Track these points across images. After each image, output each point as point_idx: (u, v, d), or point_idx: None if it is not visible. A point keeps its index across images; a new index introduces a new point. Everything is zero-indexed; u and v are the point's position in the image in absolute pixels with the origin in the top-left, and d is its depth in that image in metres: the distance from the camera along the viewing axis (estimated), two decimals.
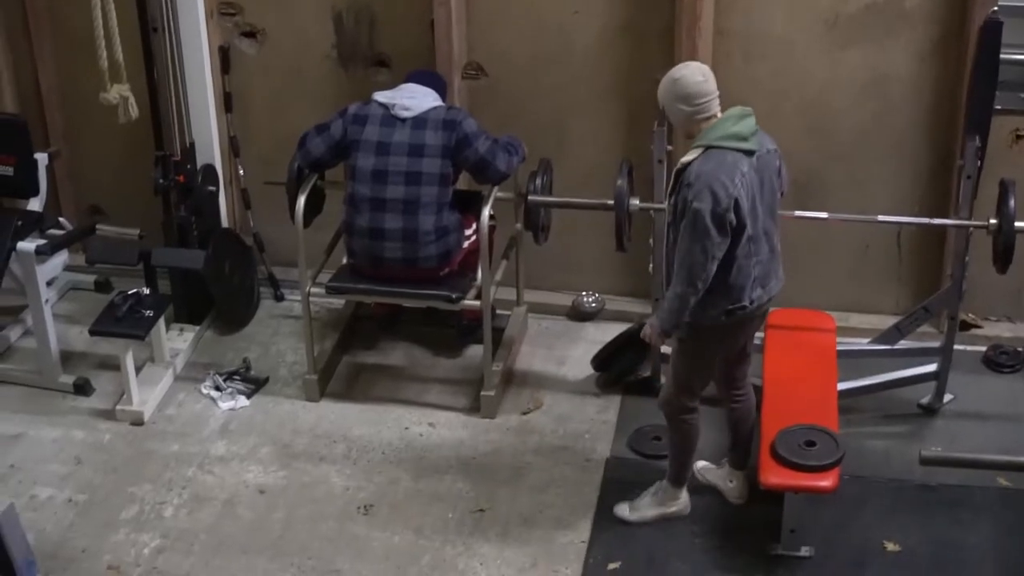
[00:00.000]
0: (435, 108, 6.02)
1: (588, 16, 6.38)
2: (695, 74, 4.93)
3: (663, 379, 6.01)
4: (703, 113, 4.92)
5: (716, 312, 5.05)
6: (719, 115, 4.94)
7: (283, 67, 6.79)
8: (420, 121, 5.99)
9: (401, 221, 6.00)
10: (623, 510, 5.64)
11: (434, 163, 5.98)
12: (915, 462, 5.20)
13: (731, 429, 5.62)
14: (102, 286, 7.11)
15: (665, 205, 5.15)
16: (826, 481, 5.16)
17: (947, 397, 6.12)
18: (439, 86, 6.21)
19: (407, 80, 6.18)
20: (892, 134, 6.30)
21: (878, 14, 6.08)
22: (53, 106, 7.03)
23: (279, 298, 7.11)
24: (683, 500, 5.59)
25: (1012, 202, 5.48)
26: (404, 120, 5.99)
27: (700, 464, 5.74)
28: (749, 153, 4.91)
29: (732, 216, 4.84)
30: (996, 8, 5.84)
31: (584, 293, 6.92)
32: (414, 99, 6.03)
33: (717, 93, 4.94)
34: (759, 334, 5.88)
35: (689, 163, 4.91)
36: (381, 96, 6.07)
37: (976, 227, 5.64)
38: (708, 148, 4.89)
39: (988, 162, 5.90)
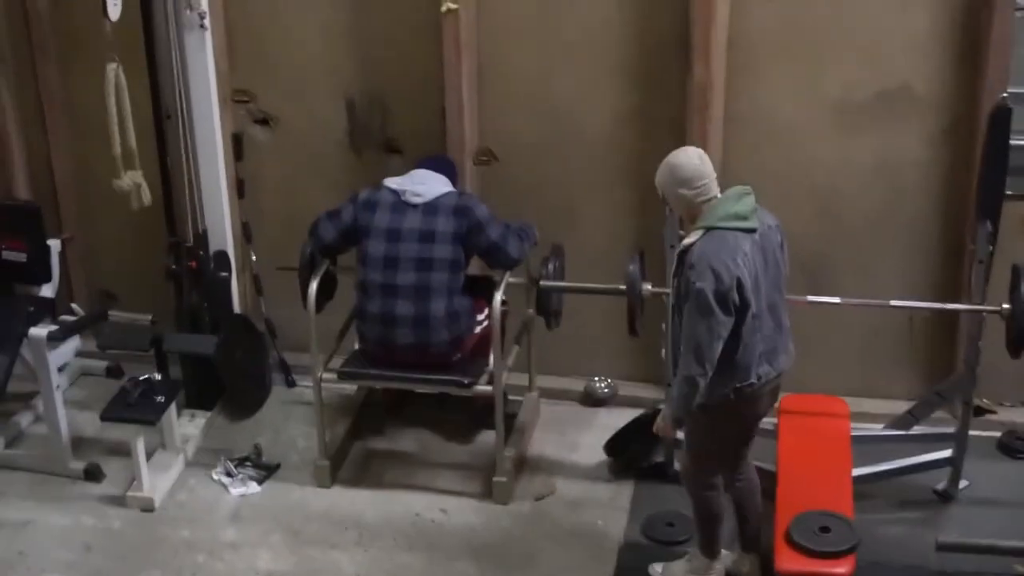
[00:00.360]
0: (446, 194, 6.04)
1: (598, 104, 6.42)
2: (691, 158, 4.99)
3: (676, 464, 6.00)
4: (703, 195, 4.96)
5: (725, 391, 5.05)
6: (719, 196, 4.98)
7: (296, 153, 6.84)
8: (431, 207, 6.00)
9: (412, 307, 6.00)
10: (656, 571, 5.64)
11: (445, 249, 5.98)
12: (931, 549, 5.17)
13: (737, 511, 5.56)
14: (113, 372, 7.11)
15: (669, 288, 5.18)
16: (842, 568, 5.09)
17: (962, 483, 6.07)
18: (450, 171, 6.23)
19: (418, 166, 6.21)
20: (902, 219, 6.32)
21: (888, 101, 6.12)
22: (66, 192, 7.09)
23: (290, 384, 7.10)
24: (716, 572, 5.54)
25: None
26: (415, 206, 6.01)
27: None
28: (750, 231, 4.94)
29: (735, 295, 4.86)
30: (1005, 95, 5.86)
31: (596, 378, 6.91)
32: (425, 185, 6.05)
33: (714, 175, 4.99)
34: (772, 420, 5.89)
35: (691, 244, 4.94)
36: (392, 182, 6.09)
37: (989, 312, 5.62)
38: (710, 229, 4.92)
39: (999, 247, 5.90)
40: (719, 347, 4.89)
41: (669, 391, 5.21)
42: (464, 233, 5.99)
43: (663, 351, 5.97)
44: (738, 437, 5.35)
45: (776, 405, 5.76)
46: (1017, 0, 5.85)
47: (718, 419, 5.18)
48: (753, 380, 5.07)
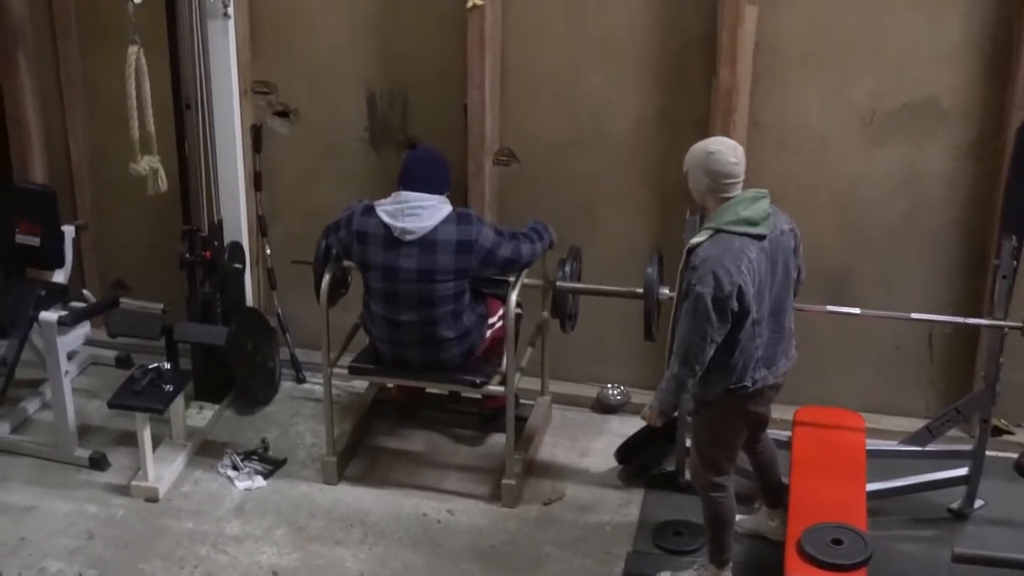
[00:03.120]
0: (444, 223, 5.74)
1: (622, 105, 6.36)
2: (729, 154, 4.96)
3: (687, 473, 5.93)
4: (723, 192, 4.97)
5: (718, 390, 5.07)
6: (735, 196, 4.96)
7: (315, 146, 6.79)
8: (428, 244, 5.74)
9: (419, 335, 5.92)
10: None
11: (447, 286, 5.80)
12: (945, 567, 5.12)
13: (759, 474, 5.64)
14: (123, 362, 7.05)
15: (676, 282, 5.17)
16: None
17: (978, 503, 5.98)
18: (440, 176, 5.87)
19: (405, 183, 5.81)
20: (926, 232, 6.24)
21: (915, 112, 6.05)
22: (83, 178, 7.04)
23: (300, 380, 7.04)
24: None
25: None
26: (409, 243, 5.80)
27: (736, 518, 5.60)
28: (759, 237, 4.92)
29: (734, 303, 4.85)
30: None
31: (609, 385, 6.84)
32: (416, 218, 5.73)
33: (742, 179, 4.97)
34: (786, 432, 5.82)
35: (698, 244, 4.92)
36: (383, 210, 5.78)
37: (1012, 328, 5.54)
38: (717, 231, 4.91)
39: (1022, 267, 5.84)
40: (711, 351, 4.91)
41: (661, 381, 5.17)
42: (475, 267, 5.80)
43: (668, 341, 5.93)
44: (742, 432, 5.32)
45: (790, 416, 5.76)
46: None
47: (719, 416, 5.20)
48: (747, 383, 5.07)
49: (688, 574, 5.56)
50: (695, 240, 4.96)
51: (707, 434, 5.28)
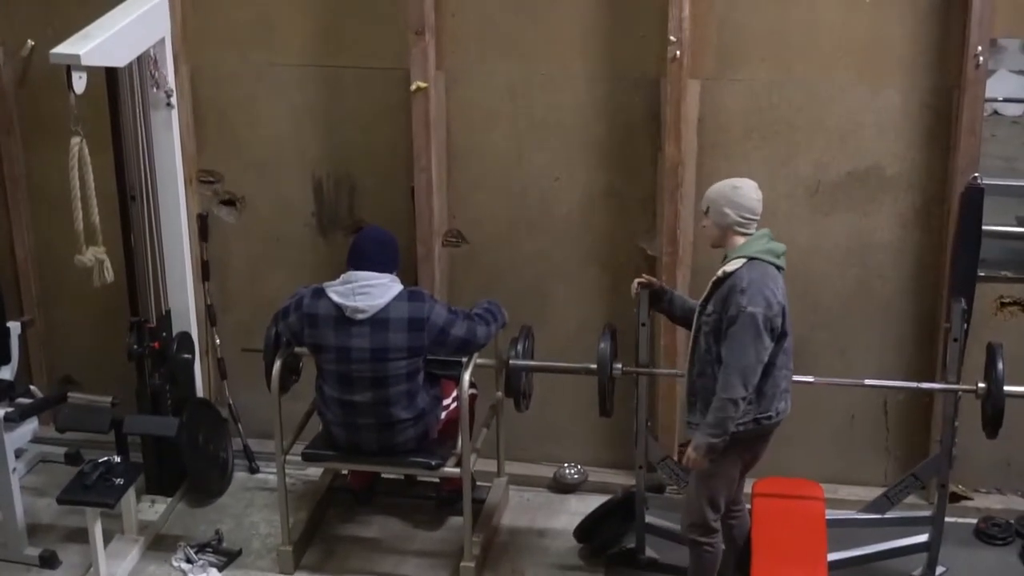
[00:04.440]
0: (395, 301, 5.71)
1: (569, 184, 6.38)
2: (754, 192, 5.19)
3: (648, 550, 5.89)
4: (743, 228, 5.16)
5: (746, 421, 5.16)
6: (752, 234, 5.15)
7: (262, 234, 6.76)
8: (379, 322, 5.70)
9: (373, 416, 5.87)
10: None
11: (400, 365, 5.76)
12: None
13: (731, 546, 5.64)
14: (73, 458, 6.85)
15: (695, 315, 5.27)
16: None
17: (939, 569, 5.97)
18: (389, 254, 5.84)
19: (354, 263, 5.79)
20: (876, 301, 6.27)
21: (859, 181, 6.11)
22: (28, 272, 6.98)
23: (254, 470, 6.96)
24: None
25: (1000, 365, 5.40)
26: (361, 322, 5.77)
27: None
28: (781, 269, 5.14)
29: (780, 322, 5.05)
30: (977, 175, 5.87)
31: (566, 464, 6.79)
32: (367, 296, 5.69)
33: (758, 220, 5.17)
34: (746, 505, 5.80)
35: (732, 272, 5.07)
36: (333, 291, 5.74)
37: (964, 391, 5.55)
38: (751, 259, 5.07)
39: (973, 329, 5.88)
40: (760, 371, 5.04)
41: (704, 419, 5.17)
42: (427, 345, 5.76)
43: (635, 435, 5.89)
44: (740, 474, 5.44)
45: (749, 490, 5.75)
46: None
47: (731, 453, 5.25)
48: (772, 413, 5.22)
49: None
50: (728, 268, 5.11)
51: (717, 472, 5.31)
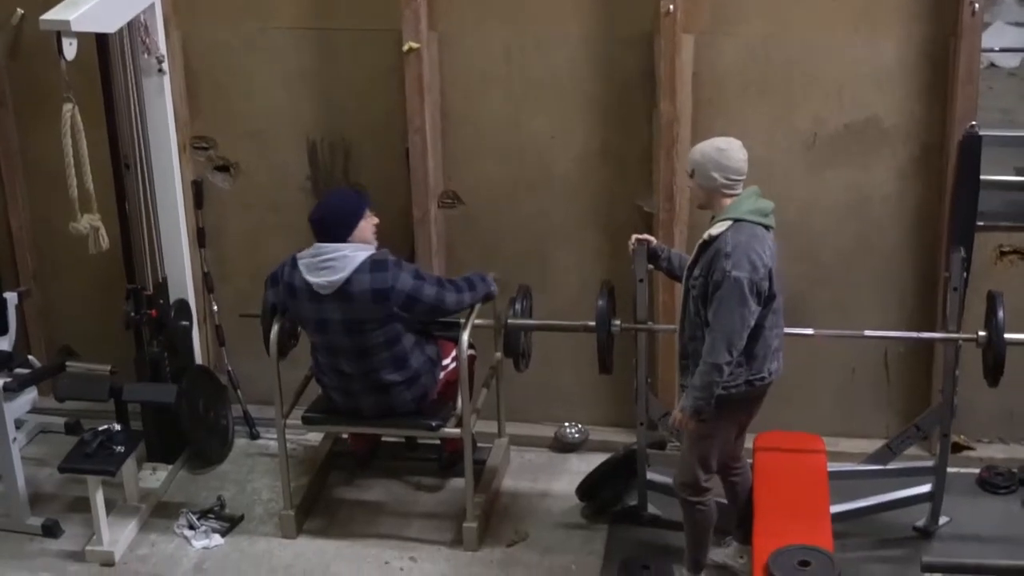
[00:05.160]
0: (356, 273, 5.64)
1: (565, 143, 6.34)
2: (739, 151, 5.11)
3: (651, 507, 5.89)
4: (731, 189, 5.10)
5: (738, 382, 5.14)
6: (738, 194, 5.09)
7: (258, 200, 6.73)
8: (344, 295, 5.66)
9: (365, 382, 5.87)
10: None
11: (376, 335, 5.73)
12: None
13: (733, 503, 5.64)
14: (73, 428, 6.86)
15: (683, 279, 5.25)
16: None
17: (943, 519, 5.96)
18: (345, 223, 5.74)
19: (316, 231, 5.77)
20: (876, 254, 6.25)
21: (857, 134, 6.07)
22: (24, 245, 6.95)
23: (254, 436, 6.95)
24: None
25: (1001, 313, 5.39)
26: (328, 296, 5.71)
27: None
28: (769, 228, 5.09)
29: (766, 285, 5.00)
30: (974, 123, 5.84)
31: (567, 424, 6.79)
32: (329, 271, 5.65)
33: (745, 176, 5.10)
34: (747, 460, 5.79)
35: (719, 235, 5.02)
36: (302, 264, 5.72)
37: (965, 340, 5.53)
38: (737, 220, 5.02)
39: (973, 280, 5.87)
40: (746, 335, 5.00)
41: (691, 381, 5.16)
42: (396, 312, 5.70)
43: (635, 393, 5.88)
44: (736, 433, 5.43)
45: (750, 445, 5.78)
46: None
47: (728, 413, 5.24)
48: (764, 374, 5.20)
49: None
50: (713, 231, 5.06)
51: (709, 433, 5.29)
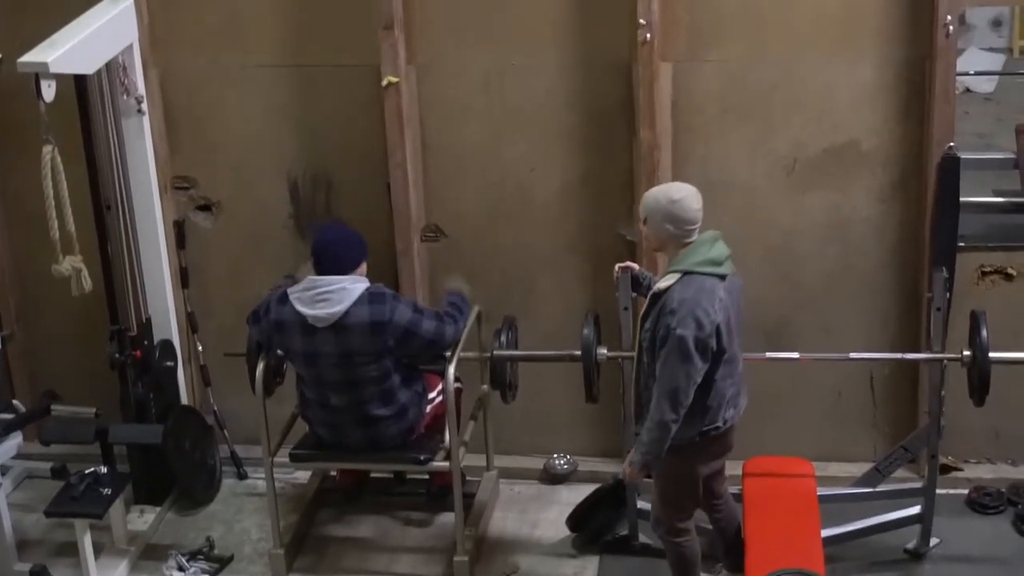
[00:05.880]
0: (355, 305, 5.60)
1: (547, 173, 6.35)
2: (693, 201, 5.01)
3: (641, 536, 5.88)
4: (686, 238, 5.01)
5: (692, 433, 5.06)
6: (692, 241, 5.01)
7: (240, 238, 6.72)
8: (341, 328, 5.61)
9: (354, 416, 5.84)
10: None
11: (368, 369, 5.70)
12: None
13: (720, 535, 5.57)
14: (59, 473, 6.82)
15: (638, 329, 5.15)
16: None
17: (933, 541, 5.96)
18: (349, 256, 5.72)
19: (315, 258, 5.73)
20: (859, 276, 6.26)
21: (836, 157, 6.09)
22: (6, 287, 6.92)
23: (242, 476, 6.92)
24: None
25: (984, 332, 5.40)
26: (323, 328, 5.66)
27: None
28: (722, 277, 4.97)
29: (714, 342, 4.88)
30: (952, 144, 5.87)
31: (555, 455, 6.77)
32: (327, 303, 5.60)
33: (700, 223, 5.03)
34: (737, 487, 5.78)
35: (667, 288, 4.93)
36: (295, 298, 5.66)
37: (950, 360, 5.54)
38: (686, 273, 4.92)
39: (955, 300, 5.86)
40: (693, 393, 4.90)
41: (638, 437, 5.12)
42: (394, 346, 5.68)
43: (623, 420, 5.87)
44: (708, 474, 5.30)
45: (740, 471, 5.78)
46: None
47: (687, 460, 5.16)
48: (719, 423, 5.10)
49: None
50: (662, 284, 4.99)
51: (672, 479, 5.25)
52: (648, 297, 5.06)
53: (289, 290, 5.71)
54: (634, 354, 5.23)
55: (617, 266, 5.60)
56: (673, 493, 5.27)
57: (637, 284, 5.58)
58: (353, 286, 5.65)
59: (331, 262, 5.67)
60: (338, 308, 5.60)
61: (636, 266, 5.63)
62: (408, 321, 5.67)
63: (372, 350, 5.65)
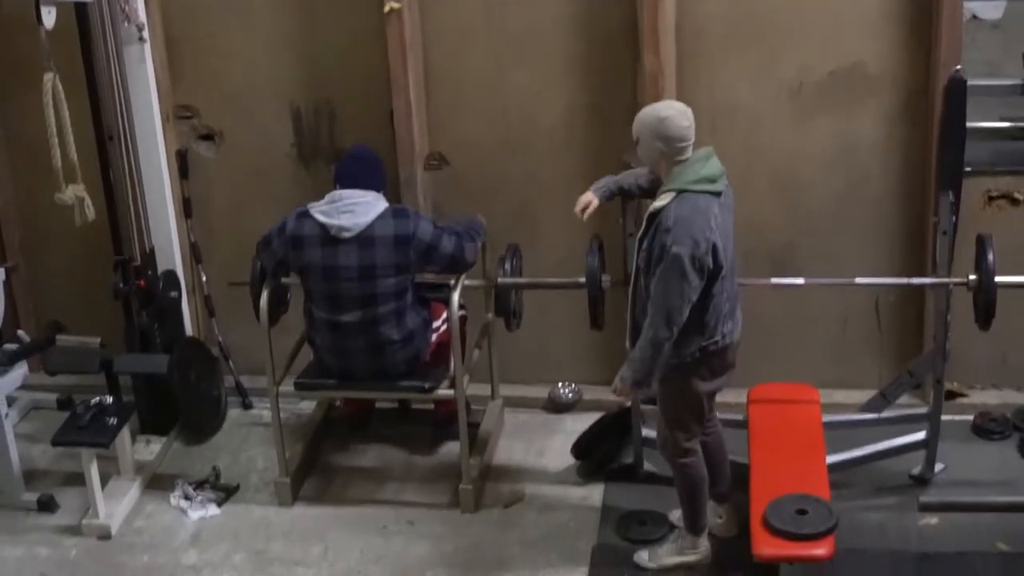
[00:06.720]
0: (380, 219, 5.68)
1: (551, 100, 6.31)
2: (681, 118, 4.95)
3: (647, 464, 5.88)
4: (678, 156, 4.96)
5: (692, 350, 5.07)
6: (686, 159, 4.95)
7: (243, 168, 6.69)
8: (366, 240, 5.67)
9: (363, 339, 5.83)
10: (642, 557, 5.56)
11: (388, 283, 5.72)
12: (914, 531, 5.15)
13: (706, 462, 5.48)
14: (65, 404, 6.90)
15: (635, 251, 5.13)
16: (821, 549, 4.93)
17: (938, 466, 5.95)
18: (375, 173, 5.84)
19: (340, 181, 5.79)
20: (864, 202, 6.23)
21: (842, 80, 6.04)
22: (10, 221, 6.92)
23: (247, 406, 6.93)
24: (703, 548, 5.51)
25: (991, 256, 5.37)
26: (347, 240, 5.72)
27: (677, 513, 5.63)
28: (717, 194, 4.95)
29: (710, 260, 4.87)
30: (959, 67, 5.81)
31: (560, 384, 6.77)
32: (353, 214, 5.67)
33: (693, 140, 4.96)
34: (741, 415, 5.82)
35: (663, 207, 4.90)
36: (318, 211, 5.72)
37: (956, 284, 5.51)
38: (681, 192, 4.88)
39: (962, 226, 5.82)
40: (688, 311, 4.89)
41: (630, 352, 5.10)
42: (415, 261, 5.72)
43: (627, 345, 5.86)
44: (710, 391, 5.28)
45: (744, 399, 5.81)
46: None
47: (689, 377, 5.15)
48: (718, 338, 5.09)
49: (666, 548, 5.55)
50: (658, 204, 4.95)
51: (677, 398, 5.25)
52: (645, 217, 5.02)
53: (310, 205, 5.75)
54: (632, 275, 5.21)
55: (578, 211, 5.47)
56: (677, 412, 5.26)
57: (628, 193, 5.49)
58: (377, 202, 5.72)
59: (356, 177, 5.76)
60: (364, 219, 5.66)
61: (595, 199, 5.46)
62: (431, 236, 5.72)
63: (394, 263, 5.68)
